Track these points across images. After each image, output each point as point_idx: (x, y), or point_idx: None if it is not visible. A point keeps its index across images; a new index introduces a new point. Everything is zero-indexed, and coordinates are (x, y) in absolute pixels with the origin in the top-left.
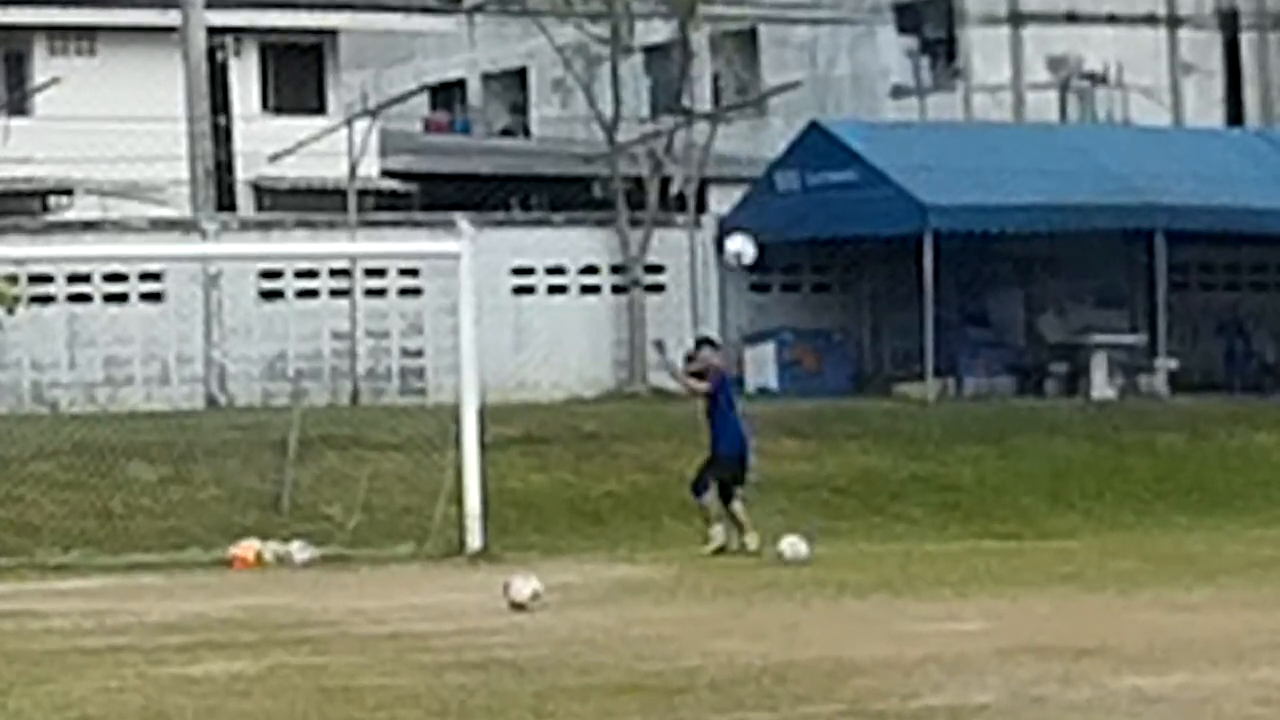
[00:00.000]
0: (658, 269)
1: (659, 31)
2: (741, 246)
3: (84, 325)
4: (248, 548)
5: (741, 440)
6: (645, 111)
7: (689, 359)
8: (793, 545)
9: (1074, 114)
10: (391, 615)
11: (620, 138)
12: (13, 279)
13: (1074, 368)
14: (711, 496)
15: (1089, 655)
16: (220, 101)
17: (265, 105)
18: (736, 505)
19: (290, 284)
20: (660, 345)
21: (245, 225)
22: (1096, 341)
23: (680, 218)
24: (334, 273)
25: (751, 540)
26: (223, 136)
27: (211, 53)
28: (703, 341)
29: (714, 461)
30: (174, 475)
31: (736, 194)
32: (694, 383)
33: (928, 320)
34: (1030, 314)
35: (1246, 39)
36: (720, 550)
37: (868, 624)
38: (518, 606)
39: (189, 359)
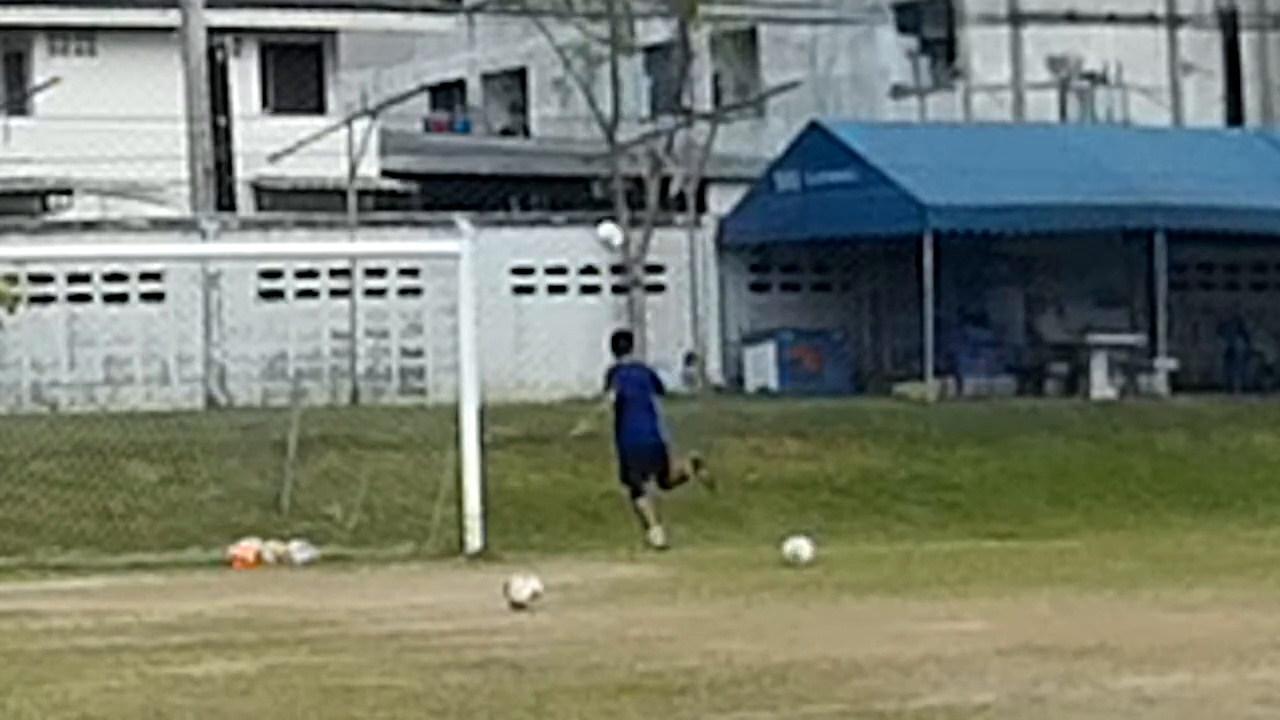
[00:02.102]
0: (658, 269)
1: (659, 31)
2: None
3: (84, 325)
4: (248, 548)
5: (651, 434)
6: (645, 111)
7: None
8: (794, 545)
9: (1074, 114)
10: (391, 615)
11: (620, 138)
12: (13, 279)
13: (1074, 368)
14: (647, 500)
15: (1089, 655)
16: (220, 101)
17: (265, 105)
18: (644, 501)
19: (290, 284)
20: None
21: (245, 225)
22: (1096, 341)
23: (680, 218)
24: (334, 273)
25: (656, 535)
26: (223, 136)
27: (211, 53)
28: (620, 336)
29: (623, 460)
30: (174, 475)
31: (736, 194)
32: (602, 408)
33: (928, 320)
34: (1030, 314)
35: (1246, 39)
36: (663, 549)
37: (868, 624)
38: (518, 606)
39: (189, 359)
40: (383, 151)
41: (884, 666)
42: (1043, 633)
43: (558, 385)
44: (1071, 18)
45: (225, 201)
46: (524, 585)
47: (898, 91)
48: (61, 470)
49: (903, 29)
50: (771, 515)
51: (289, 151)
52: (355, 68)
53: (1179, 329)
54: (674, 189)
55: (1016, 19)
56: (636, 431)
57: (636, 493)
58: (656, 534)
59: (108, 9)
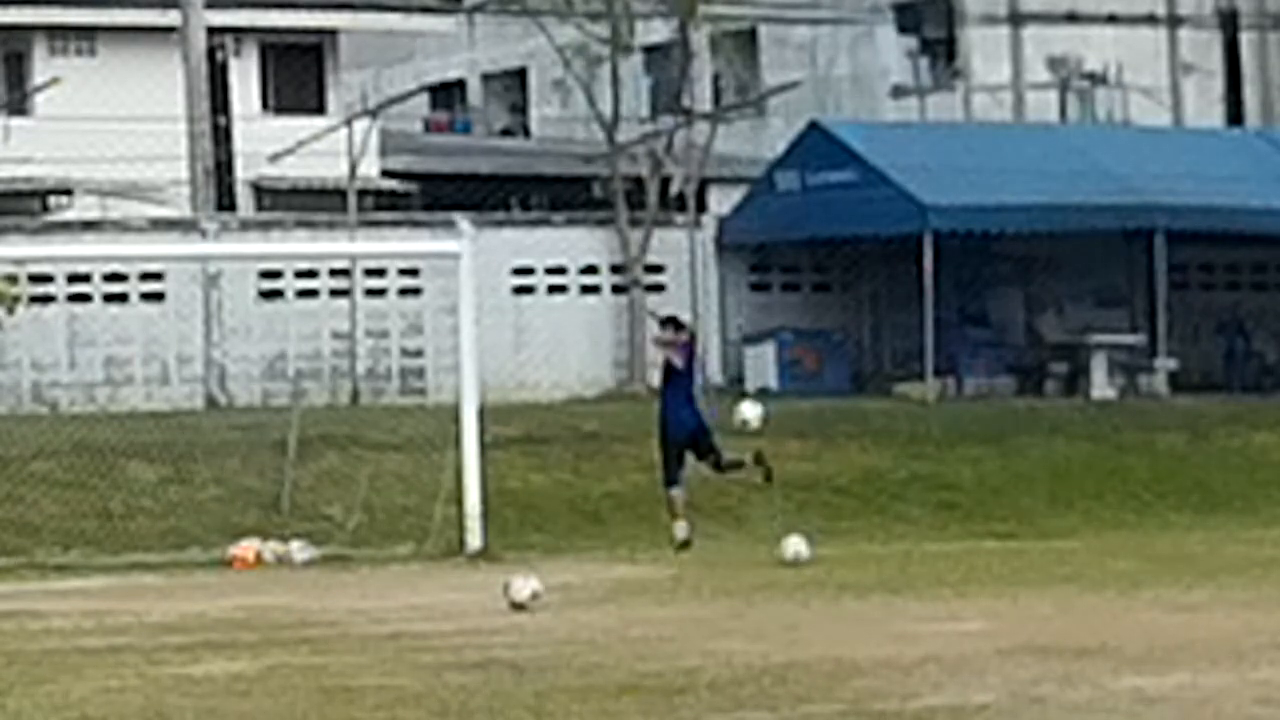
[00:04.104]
0: (658, 269)
1: (659, 31)
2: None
3: (84, 325)
4: (248, 548)
5: (695, 420)
6: (645, 111)
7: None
8: (793, 545)
9: (1074, 114)
10: (391, 615)
11: (620, 138)
12: (13, 279)
13: (1074, 368)
14: (680, 490)
15: (1089, 655)
16: (220, 101)
17: (265, 105)
18: (677, 491)
19: (290, 284)
20: (653, 315)
21: (245, 225)
22: (1096, 341)
23: (680, 218)
24: (334, 273)
25: (681, 529)
26: (223, 136)
27: (211, 53)
28: (668, 320)
29: (664, 443)
30: (174, 475)
31: (736, 194)
32: (669, 345)
33: (928, 320)
34: (1030, 314)
35: (1246, 39)
36: (686, 545)
37: (868, 624)
38: (518, 606)
39: (189, 359)
40: (383, 151)
41: (884, 666)
42: (1043, 633)
43: (558, 385)
44: (1071, 18)
45: (225, 201)
46: (524, 585)
47: (898, 91)
48: (61, 470)
49: (903, 29)
50: (771, 515)
51: (289, 151)
52: (355, 68)
53: (1179, 329)
54: (674, 189)
55: (1016, 19)
56: (679, 415)
57: (673, 481)
58: (681, 528)
59: (108, 9)
